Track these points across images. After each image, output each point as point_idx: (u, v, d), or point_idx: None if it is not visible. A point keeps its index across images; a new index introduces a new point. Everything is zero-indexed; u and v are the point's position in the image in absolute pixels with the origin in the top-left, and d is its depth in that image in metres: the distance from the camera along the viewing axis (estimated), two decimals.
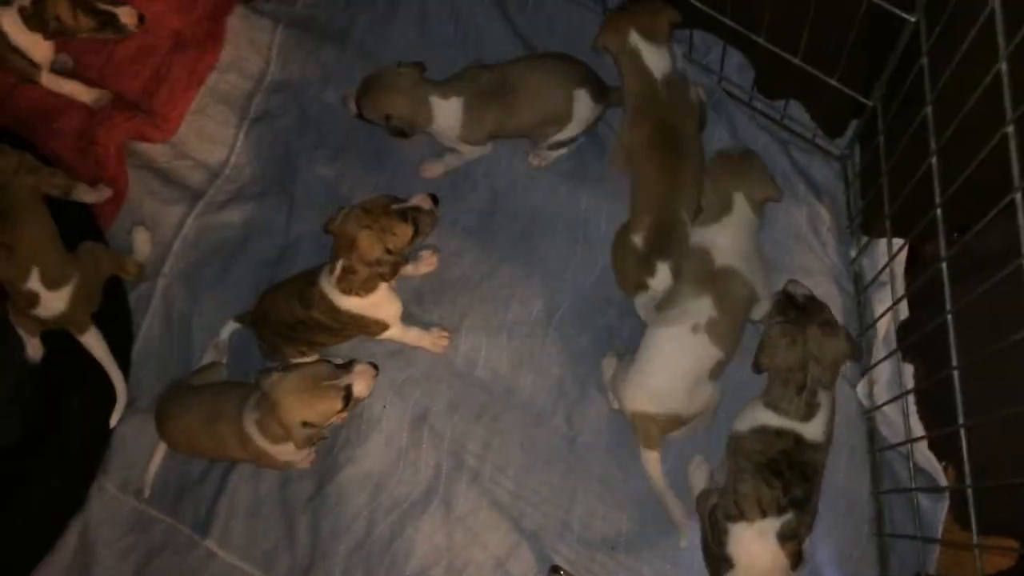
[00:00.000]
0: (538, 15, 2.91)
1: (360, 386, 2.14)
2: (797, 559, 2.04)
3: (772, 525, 2.02)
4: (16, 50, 2.69)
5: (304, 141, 2.84)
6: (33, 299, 2.43)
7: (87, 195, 2.65)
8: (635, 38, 2.35)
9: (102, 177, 2.74)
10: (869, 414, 2.39)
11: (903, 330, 2.28)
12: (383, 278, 2.26)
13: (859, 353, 2.26)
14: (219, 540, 2.49)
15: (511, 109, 2.52)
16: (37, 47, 2.70)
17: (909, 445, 2.18)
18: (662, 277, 2.32)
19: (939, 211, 1.85)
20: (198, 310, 2.69)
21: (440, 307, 2.63)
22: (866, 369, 2.38)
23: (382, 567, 2.42)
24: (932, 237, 2.08)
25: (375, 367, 2.19)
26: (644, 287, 2.34)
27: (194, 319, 2.68)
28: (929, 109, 1.85)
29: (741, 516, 2.04)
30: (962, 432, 1.76)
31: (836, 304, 2.49)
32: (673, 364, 2.24)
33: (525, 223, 2.69)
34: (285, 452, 2.26)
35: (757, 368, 2.17)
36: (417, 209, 2.25)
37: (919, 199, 2.00)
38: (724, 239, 2.31)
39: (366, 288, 2.26)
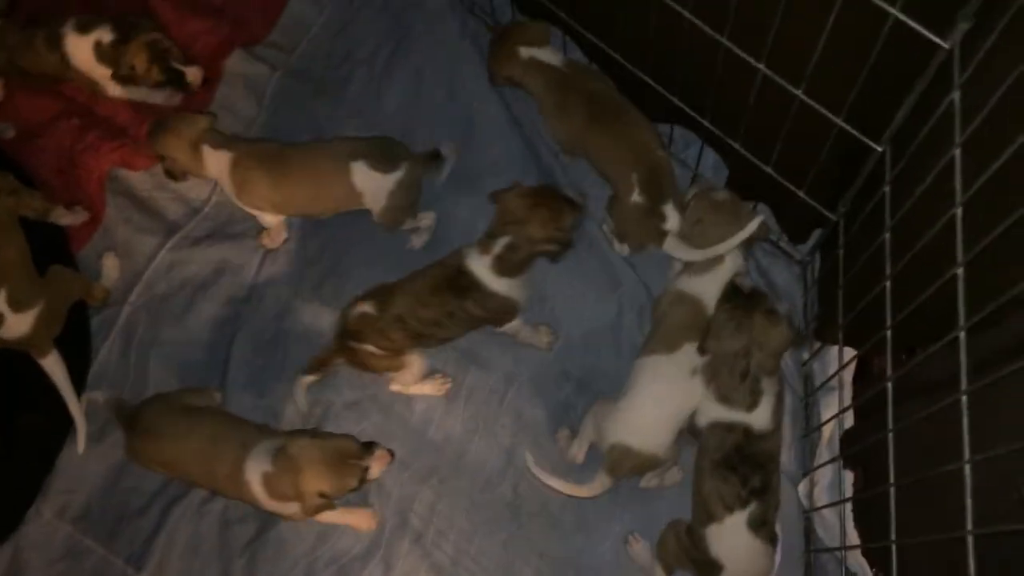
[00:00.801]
0: None
1: (375, 471, 2.18)
2: (774, 540, 2.19)
3: (740, 518, 2.13)
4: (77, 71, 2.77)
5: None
6: None
7: (63, 218, 2.66)
8: (525, 51, 2.60)
9: (80, 199, 2.76)
10: (807, 514, 2.45)
11: (847, 438, 2.35)
12: (551, 257, 2.32)
13: (800, 340, 2.36)
14: (153, 575, 2.47)
15: (279, 180, 2.56)
16: (98, 74, 2.78)
17: (843, 552, 2.24)
18: (672, 216, 2.47)
19: (889, 332, 1.93)
20: (159, 340, 2.71)
21: None
22: (808, 472, 2.45)
23: None
24: (881, 352, 2.19)
25: (392, 453, 2.23)
26: (663, 234, 2.47)
27: (153, 349, 2.70)
28: (887, 235, 1.94)
29: (710, 518, 2.16)
30: (893, 548, 1.83)
31: (784, 404, 2.57)
32: (666, 403, 2.30)
33: None
34: (281, 508, 2.24)
35: (702, 351, 2.25)
36: (573, 202, 2.34)
37: (872, 314, 2.09)
38: (716, 288, 2.38)
39: (520, 269, 2.31)
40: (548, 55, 2.62)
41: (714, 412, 2.25)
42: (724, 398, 2.23)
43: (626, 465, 2.31)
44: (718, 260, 2.42)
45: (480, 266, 2.32)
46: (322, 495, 2.13)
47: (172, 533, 2.51)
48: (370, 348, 2.39)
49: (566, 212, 2.30)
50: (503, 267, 2.30)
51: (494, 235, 2.30)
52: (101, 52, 2.69)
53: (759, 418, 2.20)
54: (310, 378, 2.52)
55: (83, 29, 2.71)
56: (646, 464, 2.33)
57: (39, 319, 2.47)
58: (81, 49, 2.72)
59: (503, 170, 2.86)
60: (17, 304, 2.43)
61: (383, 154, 2.56)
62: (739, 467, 2.16)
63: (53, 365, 2.50)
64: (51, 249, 2.62)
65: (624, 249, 2.72)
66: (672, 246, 2.47)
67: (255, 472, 2.19)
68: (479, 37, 3.02)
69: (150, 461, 2.38)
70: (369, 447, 2.19)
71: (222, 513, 2.53)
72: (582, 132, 2.56)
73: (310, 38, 3.10)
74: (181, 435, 2.31)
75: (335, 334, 2.47)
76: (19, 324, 2.45)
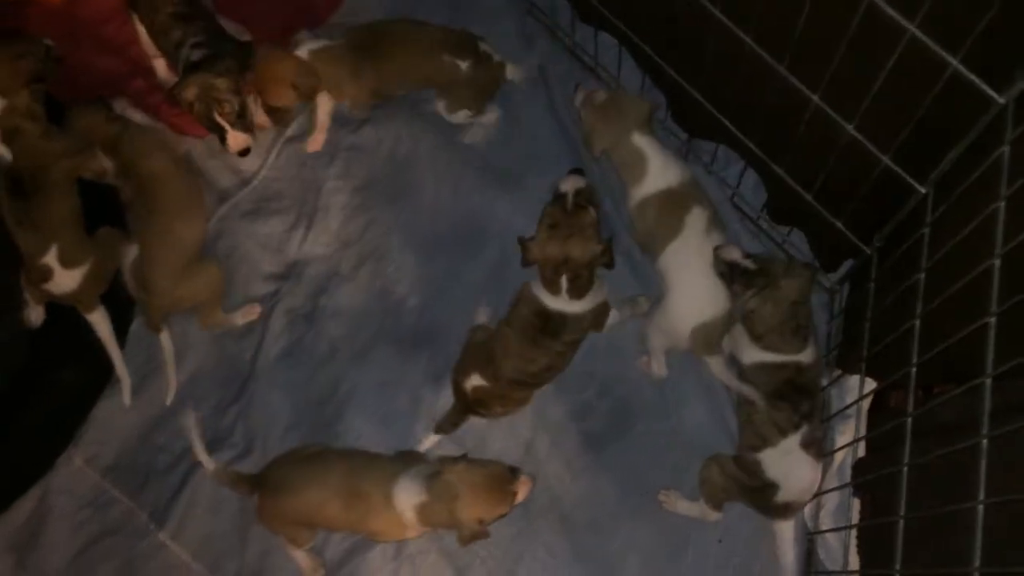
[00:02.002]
0: None
1: (522, 496, 2.20)
2: (822, 454, 2.37)
3: (794, 440, 2.29)
4: None
5: (331, 170, 2.94)
6: (47, 274, 2.51)
7: (118, 179, 2.73)
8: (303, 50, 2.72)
9: None
10: (811, 536, 2.51)
11: (858, 467, 2.41)
12: (607, 266, 2.34)
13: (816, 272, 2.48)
14: (173, 533, 2.57)
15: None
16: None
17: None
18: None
19: (913, 370, 1.99)
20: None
21: (432, 352, 2.73)
22: (816, 494, 2.51)
23: None
24: (901, 387, 2.24)
25: (533, 479, 2.25)
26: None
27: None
28: (922, 276, 1.99)
29: (765, 444, 2.31)
30: None
31: None
32: (703, 269, 2.45)
33: None
34: (415, 531, 2.27)
35: (759, 338, 2.36)
36: (579, 193, 2.32)
37: (896, 350, 2.15)
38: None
39: (591, 283, 2.34)
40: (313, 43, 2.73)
41: (761, 356, 2.36)
42: (776, 349, 2.34)
43: (714, 336, 2.47)
44: (641, 158, 2.58)
45: (560, 303, 2.32)
46: (481, 521, 2.14)
47: (194, 494, 2.59)
48: (498, 409, 2.47)
49: (588, 221, 2.30)
50: (579, 292, 2.31)
51: (552, 279, 2.29)
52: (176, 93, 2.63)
53: (808, 355, 2.34)
54: (436, 438, 2.56)
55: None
56: (722, 323, 2.47)
57: (87, 277, 2.55)
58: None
59: (543, 166, 2.91)
60: (67, 261, 2.51)
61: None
62: (791, 397, 2.32)
63: (99, 321, 2.58)
64: (103, 209, 2.68)
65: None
66: None
67: (408, 502, 2.18)
68: (535, 38, 3.07)
69: (285, 521, 2.37)
70: (515, 472, 2.20)
71: None
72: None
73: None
74: (317, 479, 2.28)
75: (456, 403, 2.51)
76: (67, 280, 2.52)
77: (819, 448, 2.35)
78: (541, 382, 2.47)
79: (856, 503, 2.40)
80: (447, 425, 2.54)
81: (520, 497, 2.20)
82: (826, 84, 2.04)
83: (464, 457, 2.21)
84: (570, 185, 2.34)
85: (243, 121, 2.61)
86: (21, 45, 2.53)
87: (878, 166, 2.09)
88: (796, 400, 2.31)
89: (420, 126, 2.98)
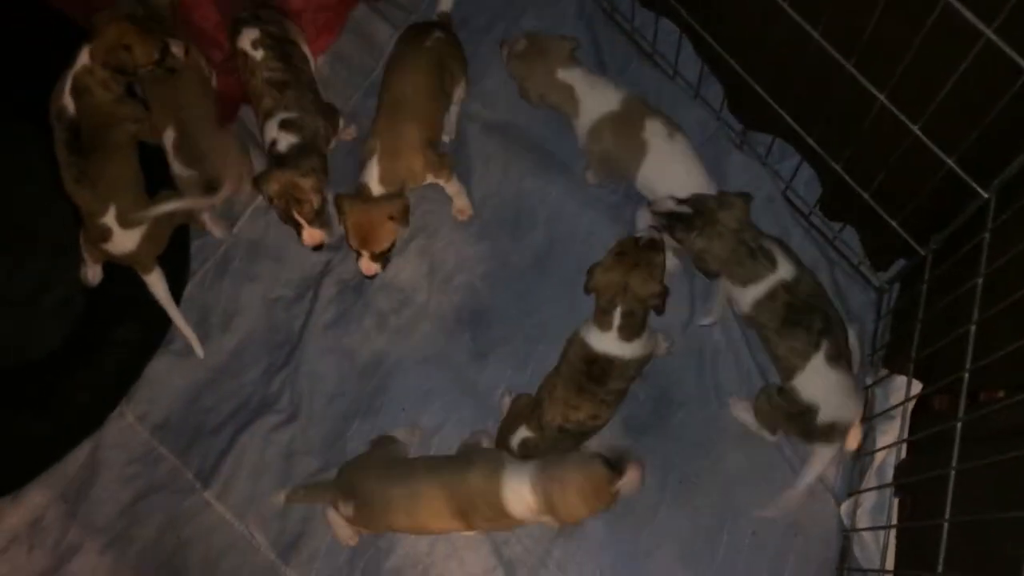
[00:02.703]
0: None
1: (629, 487, 2.15)
2: (851, 364, 2.42)
3: (818, 360, 2.32)
4: None
5: None
6: (106, 234, 2.56)
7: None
8: None
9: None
10: (847, 533, 2.52)
11: (899, 468, 2.41)
12: (657, 311, 2.32)
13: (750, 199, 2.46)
14: (218, 493, 2.62)
15: None
16: None
17: (882, 574, 2.31)
18: None
19: (966, 376, 1.98)
20: (252, 274, 2.84)
21: (475, 331, 2.76)
22: (855, 492, 2.51)
23: (363, 558, 2.55)
24: (945, 391, 2.24)
25: (642, 467, 2.20)
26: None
27: (245, 282, 2.82)
28: (980, 281, 1.99)
29: (794, 371, 2.35)
30: None
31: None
32: (689, 179, 2.56)
33: (573, 273, 2.81)
34: (517, 523, 2.26)
35: (711, 274, 2.46)
36: (654, 240, 2.33)
37: (945, 354, 2.15)
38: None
39: (643, 326, 2.31)
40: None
41: (750, 294, 2.39)
42: (750, 280, 2.37)
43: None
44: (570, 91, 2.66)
45: (608, 344, 2.31)
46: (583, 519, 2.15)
47: (239, 456, 2.65)
48: None
49: (656, 260, 2.30)
50: (629, 333, 2.30)
51: (607, 309, 2.29)
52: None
53: (785, 269, 2.36)
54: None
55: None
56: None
57: (144, 238, 2.59)
58: None
59: None
60: (125, 222, 2.56)
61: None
62: (799, 319, 2.33)
63: (156, 282, 2.63)
64: (164, 171, 2.73)
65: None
66: None
67: (518, 498, 2.15)
68: (594, 21, 3.06)
69: (381, 528, 2.42)
70: (619, 465, 2.14)
71: (288, 443, 2.67)
72: None
73: (430, 1, 3.15)
74: (414, 490, 2.25)
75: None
76: (126, 241, 2.57)
77: (847, 359, 2.38)
78: (586, 431, 2.42)
79: (896, 503, 2.40)
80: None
81: (626, 491, 2.15)
82: (894, 83, 2.02)
83: (568, 455, 2.20)
84: (646, 230, 2.38)
85: (320, 218, 2.58)
86: (139, 37, 2.51)
87: (941, 168, 2.08)
88: (806, 320, 2.32)
89: (473, 109, 3.00)
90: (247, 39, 2.63)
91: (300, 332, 2.77)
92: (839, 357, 2.35)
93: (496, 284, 2.81)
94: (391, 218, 2.51)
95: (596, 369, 2.31)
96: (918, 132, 2.04)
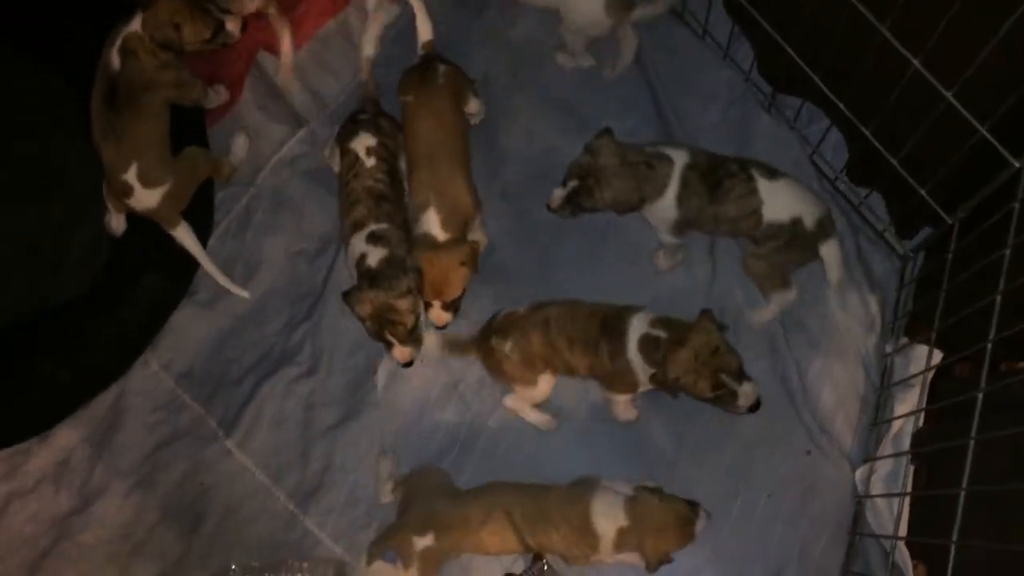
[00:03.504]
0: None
1: (699, 529, 2.27)
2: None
3: (764, 184, 2.46)
4: None
5: None
6: (127, 190, 2.57)
7: (211, 101, 2.78)
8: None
9: (222, 77, 2.86)
10: (860, 499, 2.54)
11: (916, 436, 2.41)
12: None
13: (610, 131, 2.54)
14: (239, 442, 2.66)
15: None
16: None
17: (893, 541, 2.32)
18: None
19: (989, 346, 1.98)
20: (275, 226, 2.85)
21: (495, 288, 2.75)
22: (870, 459, 2.52)
23: (381, 509, 2.58)
24: (967, 359, 2.23)
25: (709, 515, 2.31)
26: None
27: (268, 235, 2.84)
28: (1007, 252, 1.97)
29: (756, 210, 2.46)
30: (952, 548, 1.91)
31: (857, 391, 2.65)
32: None
33: (595, 234, 2.81)
34: (606, 555, 2.31)
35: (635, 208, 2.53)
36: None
37: (968, 323, 2.14)
38: None
39: (665, 382, 2.32)
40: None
41: (671, 196, 2.47)
42: (663, 183, 2.46)
43: None
44: None
45: (636, 330, 2.34)
46: (666, 553, 2.22)
47: (260, 406, 2.68)
48: (506, 349, 2.45)
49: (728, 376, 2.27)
50: (649, 356, 2.32)
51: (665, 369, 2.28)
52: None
53: (679, 155, 2.49)
54: (441, 348, 2.63)
55: None
56: None
57: (166, 196, 2.60)
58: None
59: (619, 111, 2.90)
60: (146, 180, 2.57)
61: None
62: (718, 177, 2.45)
63: (183, 235, 2.65)
64: (188, 125, 2.73)
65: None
66: None
67: (609, 525, 2.24)
68: None
69: (461, 547, 2.39)
70: (695, 508, 2.27)
71: (309, 395, 2.70)
72: None
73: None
74: (498, 514, 2.32)
75: (481, 330, 2.57)
76: (147, 198, 2.58)
77: (779, 170, 2.51)
78: (552, 349, 2.45)
79: (911, 471, 2.41)
80: (453, 344, 2.63)
81: (697, 532, 2.26)
82: (928, 48, 1.99)
83: (659, 491, 2.27)
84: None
85: (413, 336, 2.50)
86: (189, 16, 2.53)
87: (973, 136, 2.05)
88: (723, 171, 2.45)
89: (499, 61, 2.98)
90: (363, 144, 2.58)
91: (322, 286, 2.78)
92: (774, 171, 2.48)
93: (518, 242, 2.81)
94: (462, 264, 2.48)
95: (615, 325, 2.39)
96: (951, 99, 2.01)
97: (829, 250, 2.55)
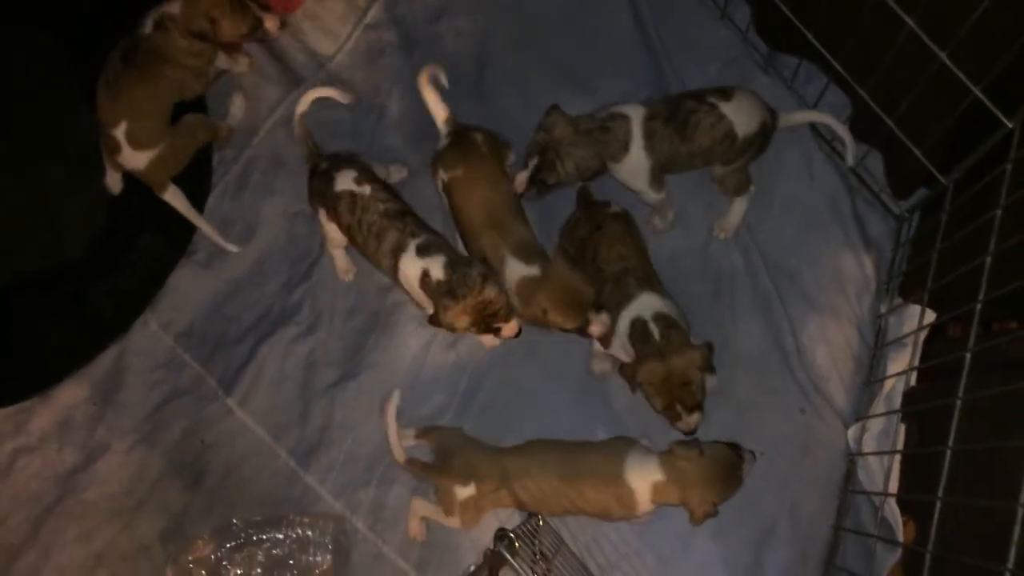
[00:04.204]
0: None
1: (747, 472, 2.28)
2: None
3: (721, 102, 2.50)
4: None
5: (411, 60, 2.94)
6: (116, 146, 2.58)
7: (237, 67, 2.84)
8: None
9: None
10: (852, 457, 2.57)
11: (908, 395, 2.44)
12: None
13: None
14: (239, 400, 2.69)
15: None
16: None
17: (882, 497, 2.36)
18: None
19: (979, 306, 2.00)
20: (272, 188, 2.85)
21: None
22: (862, 418, 2.56)
23: (381, 465, 2.63)
24: (960, 319, 2.25)
25: (754, 455, 2.33)
26: None
27: (266, 197, 2.84)
28: (999, 212, 1.98)
29: (731, 131, 2.49)
30: (937, 504, 1.95)
31: (851, 350, 2.68)
32: None
33: None
34: (644, 508, 2.32)
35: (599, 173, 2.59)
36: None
37: (961, 284, 2.15)
38: None
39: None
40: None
41: (636, 150, 2.51)
42: (626, 141, 2.49)
43: None
44: None
45: (636, 310, 2.38)
46: (714, 504, 2.22)
47: (260, 365, 2.71)
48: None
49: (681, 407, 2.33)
50: (635, 342, 2.37)
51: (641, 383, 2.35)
52: None
53: (632, 109, 2.52)
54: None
55: None
56: None
57: (155, 160, 2.61)
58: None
59: (616, 69, 2.91)
60: (134, 142, 2.58)
61: None
62: (674, 111, 2.50)
63: (172, 198, 2.66)
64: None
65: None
66: None
67: (643, 479, 2.26)
68: None
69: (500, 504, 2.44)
70: (739, 450, 2.28)
71: (308, 355, 2.73)
72: None
73: None
74: (537, 464, 2.36)
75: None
76: (135, 159, 2.60)
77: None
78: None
79: (902, 429, 2.44)
80: None
81: (745, 475, 2.28)
82: (923, 8, 1.98)
83: (696, 443, 2.27)
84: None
85: (510, 308, 2.38)
86: (229, 12, 2.53)
87: (967, 96, 2.05)
88: (677, 106, 2.50)
89: (497, 22, 2.98)
90: (347, 179, 2.48)
91: (320, 247, 2.79)
92: (725, 90, 2.52)
93: None
94: (573, 266, 2.38)
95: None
96: (945, 59, 2.01)
97: (796, 117, 2.68)
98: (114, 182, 2.73)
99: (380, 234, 2.44)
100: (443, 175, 2.54)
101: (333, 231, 2.57)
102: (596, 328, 2.35)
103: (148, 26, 2.56)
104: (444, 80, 2.65)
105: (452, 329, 2.36)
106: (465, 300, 2.29)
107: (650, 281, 2.46)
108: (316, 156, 2.60)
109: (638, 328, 2.36)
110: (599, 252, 2.48)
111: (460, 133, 2.57)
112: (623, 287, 2.42)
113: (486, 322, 2.34)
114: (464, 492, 2.36)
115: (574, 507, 2.36)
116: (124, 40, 2.58)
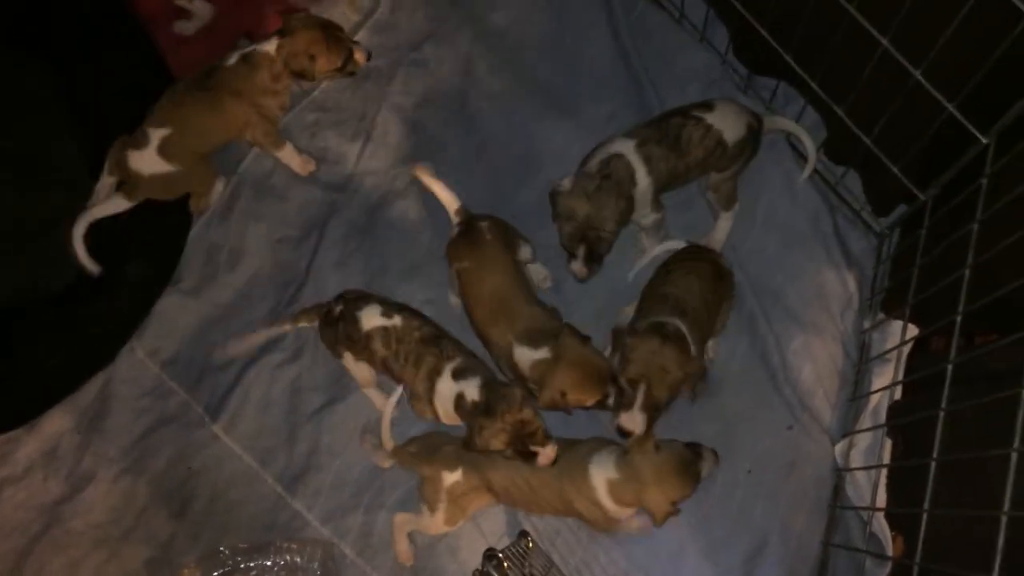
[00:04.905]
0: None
1: (707, 470, 2.29)
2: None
3: (707, 114, 2.55)
4: None
5: (392, 87, 2.98)
6: (142, 143, 2.61)
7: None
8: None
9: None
10: (840, 472, 2.58)
11: (893, 409, 2.46)
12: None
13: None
14: (226, 427, 2.68)
15: None
16: None
17: (871, 512, 2.37)
18: None
19: (958, 319, 2.02)
20: (259, 212, 2.87)
21: None
22: (849, 433, 2.57)
23: (369, 490, 2.62)
24: (941, 333, 2.27)
25: (716, 456, 2.35)
26: None
27: (252, 222, 2.86)
28: (975, 226, 2.01)
29: (718, 140, 2.54)
30: (924, 516, 1.96)
31: (836, 366, 2.69)
32: None
33: None
34: (620, 514, 2.33)
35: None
36: None
37: (942, 297, 2.18)
38: None
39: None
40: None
41: (643, 184, 2.52)
42: (631, 187, 2.50)
43: None
44: None
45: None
46: (672, 503, 2.21)
47: (246, 391, 2.70)
48: None
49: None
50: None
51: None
52: None
53: (618, 145, 2.52)
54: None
55: None
56: None
57: (162, 176, 2.65)
58: None
59: (602, 94, 2.94)
60: (164, 149, 2.61)
61: None
62: (665, 129, 2.54)
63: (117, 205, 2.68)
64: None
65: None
66: None
67: (599, 477, 2.27)
68: None
69: (481, 497, 2.44)
70: (698, 449, 2.30)
71: (294, 380, 2.72)
72: None
73: None
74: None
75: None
76: (149, 163, 2.62)
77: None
78: None
79: (888, 444, 2.46)
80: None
81: (706, 474, 2.29)
82: (897, 27, 2.02)
83: (651, 439, 2.26)
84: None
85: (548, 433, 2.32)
86: (326, 48, 2.61)
87: (942, 113, 2.09)
88: (665, 126, 2.53)
89: (480, 47, 3.01)
90: (374, 315, 2.45)
91: (306, 271, 2.80)
92: (706, 103, 2.56)
93: None
94: (584, 342, 2.36)
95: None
96: (919, 77, 2.05)
97: (778, 121, 2.73)
98: (104, 188, 2.71)
99: (417, 361, 2.42)
100: (455, 265, 2.55)
101: (363, 371, 2.57)
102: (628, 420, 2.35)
103: (233, 59, 2.62)
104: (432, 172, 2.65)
105: (487, 451, 2.29)
106: (503, 418, 2.24)
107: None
108: (324, 305, 2.61)
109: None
110: None
111: (469, 223, 2.56)
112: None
113: (523, 442, 2.26)
114: (451, 478, 2.36)
115: (554, 505, 2.37)
116: (205, 67, 2.65)
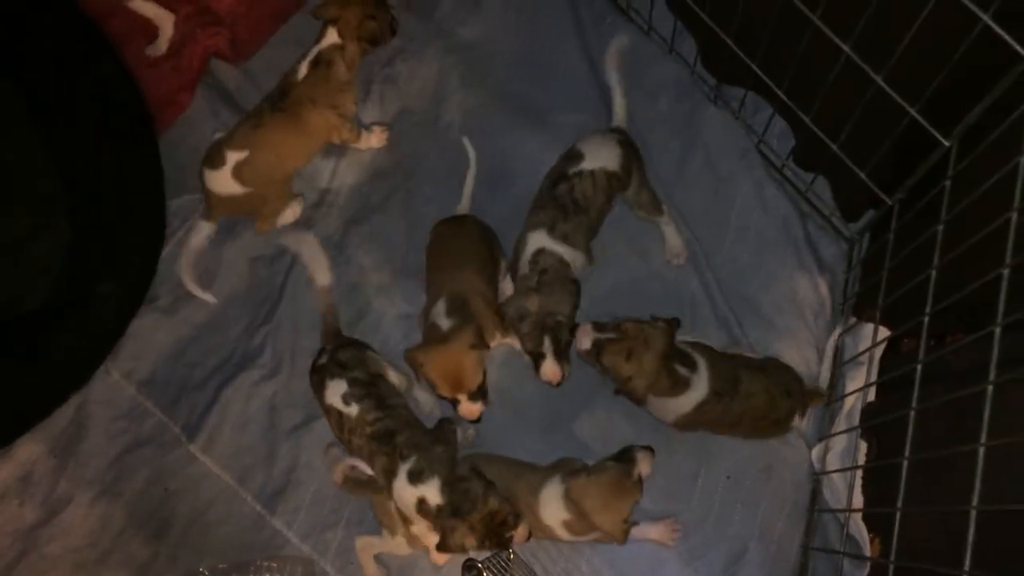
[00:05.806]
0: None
1: (646, 469, 2.30)
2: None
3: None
4: None
5: (366, 103, 2.99)
6: (217, 161, 2.68)
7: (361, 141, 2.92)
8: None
9: (176, 83, 2.90)
10: (817, 476, 2.60)
11: (866, 411, 2.48)
12: None
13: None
14: (203, 446, 2.67)
15: None
16: None
17: (847, 514, 2.39)
18: None
19: (926, 319, 2.05)
20: (233, 230, 2.87)
21: None
22: (824, 437, 2.59)
23: (349, 506, 2.61)
24: (913, 334, 2.30)
25: (651, 450, 2.36)
26: None
27: (227, 241, 2.86)
28: (940, 228, 2.04)
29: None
30: (897, 515, 1.98)
31: (810, 371, 2.71)
32: None
33: None
34: (587, 537, 2.36)
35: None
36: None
37: (911, 299, 2.21)
38: None
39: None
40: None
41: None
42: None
43: None
44: None
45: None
46: (626, 520, 2.24)
47: (224, 409, 2.69)
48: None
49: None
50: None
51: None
52: None
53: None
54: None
55: None
56: None
57: (230, 197, 2.73)
58: None
59: (573, 105, 2.97)
60: (240, 171, 2.68)
61: None
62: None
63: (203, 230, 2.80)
64: (132, 126, 2.76)
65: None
66: None
67: (559, 521, 2.32)
68: None
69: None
70: (629, 455, 2.31)
71: (271, 397, 2.72)
72: None
73: None
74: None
75: None
76: (222, 183, 2.70)
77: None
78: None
79: (863, 446, 2.48)
80: None
81: (646, 471, 2.30)
82: (858, 34, 2.06)
83: (584, 468, 2.30)
84: None
85: (519, 518, 2.30)
86: (377, 8, 2.70)
87: (905, 118, 2.13)
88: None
89: (451, 61, 3.03)
90: (335, 394, 2.42)
91: (281, 288, 2.80)
92: (571, 151, 2.64)
93: None
94: (472, 347, 2.36)
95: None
96: (881, 82, 2.08)
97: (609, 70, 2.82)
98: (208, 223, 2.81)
99: (370, 457, 2.39)
100: (432, 233, 2.70)
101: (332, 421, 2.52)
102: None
103: (302, 71, 2.67)
104: None
105: (463, 550, 2.27)
106: (471, 516, 2.22)
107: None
108: (329, 337, 2.63)
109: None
110: None
111: (460, 217, 2.75)
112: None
113: (497, 534, 2.24)
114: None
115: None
116: (274, 89, 2.74)
